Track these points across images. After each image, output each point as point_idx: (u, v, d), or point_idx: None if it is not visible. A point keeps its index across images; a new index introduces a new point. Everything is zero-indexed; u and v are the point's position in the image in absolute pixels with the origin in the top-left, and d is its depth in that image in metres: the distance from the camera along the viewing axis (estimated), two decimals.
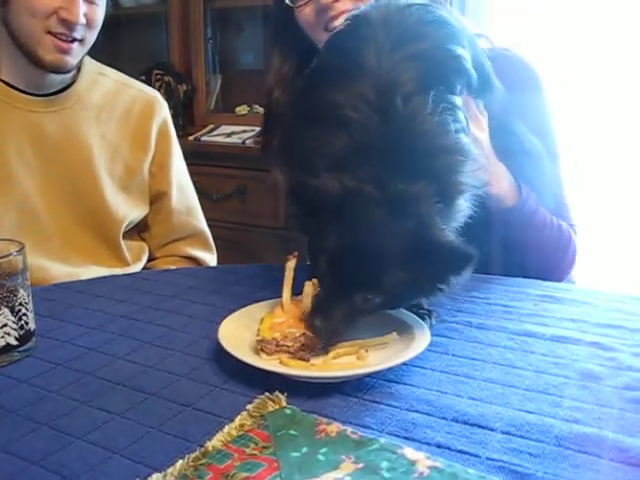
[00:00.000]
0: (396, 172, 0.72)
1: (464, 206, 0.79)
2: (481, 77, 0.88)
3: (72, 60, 1.25)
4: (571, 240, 1.15)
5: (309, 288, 0.76)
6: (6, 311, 0.75)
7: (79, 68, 1.35)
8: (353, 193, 0.71)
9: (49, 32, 1.20)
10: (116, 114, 1.39)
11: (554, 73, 2.13)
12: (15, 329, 0.76)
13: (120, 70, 1.46)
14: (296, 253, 0.80)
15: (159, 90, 2.56)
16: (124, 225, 1.38)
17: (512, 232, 1.10)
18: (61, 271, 1.27)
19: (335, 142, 0.76)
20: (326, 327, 0.73)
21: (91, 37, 1.28)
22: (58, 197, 1.31)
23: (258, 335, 0.74)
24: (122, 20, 2.81)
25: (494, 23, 2.25)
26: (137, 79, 1.51)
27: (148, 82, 2.49)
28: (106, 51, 2.67)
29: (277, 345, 0.73)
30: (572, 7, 2.13)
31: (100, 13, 1.27)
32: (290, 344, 0.73)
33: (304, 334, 0.74)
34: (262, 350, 0.73)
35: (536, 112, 1.17)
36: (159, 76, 2.65)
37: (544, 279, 1.06)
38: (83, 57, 1.31)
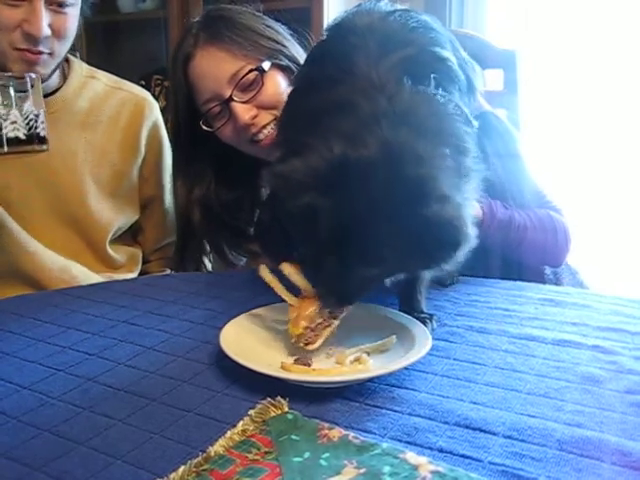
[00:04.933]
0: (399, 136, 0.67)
1: (472, 190, 0.77)
2: (465, 78, 0.88)
3: (42, 70, 1.20)
4: (557, 228, 1.15)
5: (288, 268, 0.78)
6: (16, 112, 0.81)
7: (65, 75, 1.33)
8: (344, 160, 0.67)
9: (15, 48, 1.16)
10: (104, 118, 1.36)
11: (554, 71, 2.15)
12: (23, 127, 0.81)
13: (119, 75, 1.45)
14: (259, 263, 0.82)
15: (159, 95, 2.58)
16: (111, 232, 1.37)
17: (497, 248, 1.10)
18: (53, 258, 1.28)
19: (341, 124, 0.72)
20: (333, 299, 0.74)
21: (60, 49, 1.22)
22: (42, 201, 1.29)
23: (292, 339, 0.76)
24: (122, 25, 2.82)
25: (493, 21, 2.27)
26: (137, 84, 1.50)
27: (148, 87, 2.49)
28: (106, 56, 2.70)
29: (312, 330, 0.75)
30: (570, 5, 2.14)
31: (71, 22, 1.21)
32: (320, 320, 0.76)
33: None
34: (306, 344, 0.75)
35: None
36: (159, 81, 2.65)
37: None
38: (57, 67, 1.26)
